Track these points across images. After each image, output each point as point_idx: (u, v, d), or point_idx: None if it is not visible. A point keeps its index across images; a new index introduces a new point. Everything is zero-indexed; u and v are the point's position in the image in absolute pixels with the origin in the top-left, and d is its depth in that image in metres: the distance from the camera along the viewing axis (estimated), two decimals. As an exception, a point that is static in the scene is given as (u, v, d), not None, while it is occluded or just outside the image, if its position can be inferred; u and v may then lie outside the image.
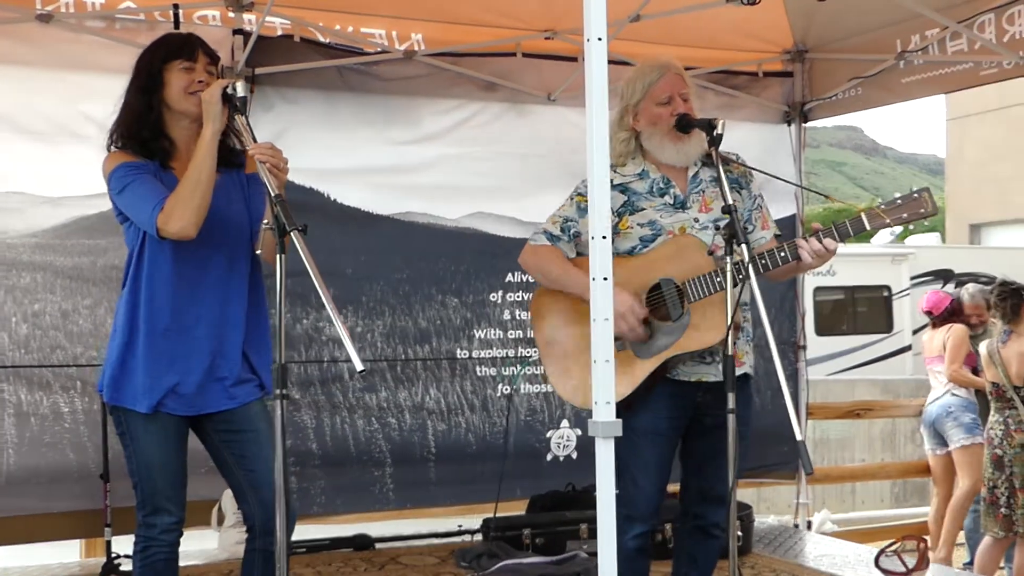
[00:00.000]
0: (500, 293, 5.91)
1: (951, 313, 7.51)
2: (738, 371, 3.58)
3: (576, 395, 3.70)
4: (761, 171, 3.91)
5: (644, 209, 3.67)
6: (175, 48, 3.37)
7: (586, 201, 3.56)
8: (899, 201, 3.47)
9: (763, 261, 3.56)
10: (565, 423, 6.01)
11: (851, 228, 3.50)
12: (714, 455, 3.64)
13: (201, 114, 3.27)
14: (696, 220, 3.67)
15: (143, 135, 3.34)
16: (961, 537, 7.49)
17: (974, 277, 16.95)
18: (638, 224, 3.66)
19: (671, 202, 3.69)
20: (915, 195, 3.45)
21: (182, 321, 3.31)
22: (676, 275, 3.60)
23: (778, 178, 4.05)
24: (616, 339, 3.56)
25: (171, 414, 3.32)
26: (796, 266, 3.61)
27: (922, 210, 3.43)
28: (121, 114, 3.39)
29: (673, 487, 3.88)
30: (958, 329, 7.40)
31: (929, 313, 7.64)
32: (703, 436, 3.71)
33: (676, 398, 3.65)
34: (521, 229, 5.70)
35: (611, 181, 3.60)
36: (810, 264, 3.55)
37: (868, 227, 3.48)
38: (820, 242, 3.51)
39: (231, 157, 3.41)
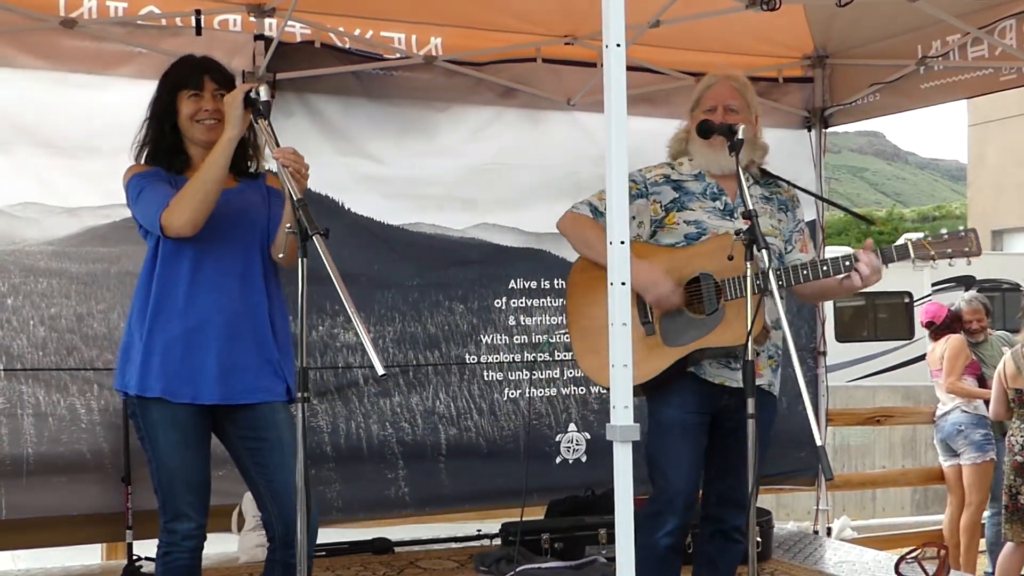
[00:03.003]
0: (504, 300, 5.96)
1: (950, 322, 7.55)
2: (757, 381, 3.60)
3: (599, 372, 3.65)
4: (808, 191, 3.92)
5: (693, 209, 3.73)
6: (183, 78, 3.49)
7: (636, 188, 3.72)
8: (946, 236, 3.49)
9: (804, 272, 3.57)
10: (572, 427, 6.03)
11: (896, 254, 3.53)
12: (735, 460, 3.65)
13: (207, 141, 3.39)
14: (740, 232, 3.69)
15: (165, 155, 3.46)
16: (982, 545, 7.48)
17: (996, 283, 16.90)
18: (684, 222, 3.72)
19: (721, 208, 3.76)
20: (962, 233, 3.48)
21: (199, 314, 3.34)
22: (716, 272, 3.63)
23: (811, 193, 4.04)
24: (646, 323, 3.62)
25: (192, 406, 3.33)
26: (838, 286, 3.61)
27: (966, 248, 3.46)
28: (144, 133, 3.51)
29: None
30: (954, 340, 7.45)
31: (930, 324, 7.70)
32: (723, 441, 3.72)
33: (702, 395, 3.67)
34: (523, 239, 5.90)
35: (668, 176, 3.79)
36: (858, 285, 3.53)
37: (912, 256, 3.50)
38: (869, 260, 3.51)
39: (247, 169, 3.50)
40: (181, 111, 3.44)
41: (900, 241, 3.52)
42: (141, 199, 3.36)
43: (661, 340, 3.63)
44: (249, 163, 3.52)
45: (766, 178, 3.83)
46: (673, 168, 3.84)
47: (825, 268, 3.55)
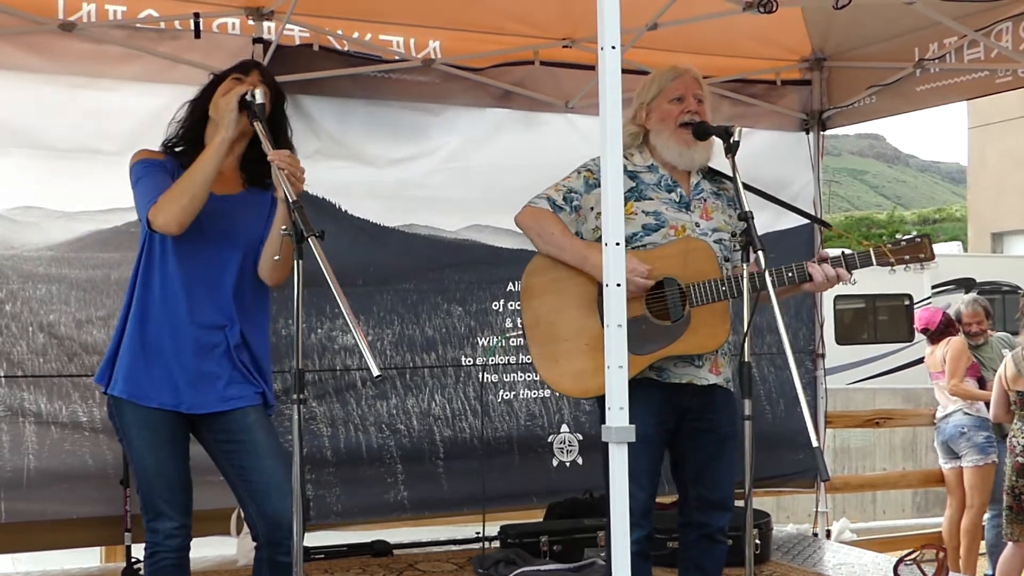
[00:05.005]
0: (502, 302, 5.97)
1: (946, 326, 7.57)
2: (713, 380, 3.64)
3: (561, 381, 3.68)
4: (773, 197, 3.92)
5: (651, 199, 3.69)
6: (235, 66, 3.53)
7: (594, 177, 3.67)
8: (903, 243, 3.65)
9: (770, 279, 3.54)
10: (565, 427, 6.03)
11: (859, 261, 3.63)
12: (708, 462, 3.65)
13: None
14: (697, 224, 3.69)
15: (188, 138, 3.44)
16: (982, 547, 7.48)
17: (996, 286, 16.91)
18: (643, 212, 3.66)
19: (677, 200, 3.71)
20: (917, 239, 3.65)
21: (170, 321, 3.34)
22: (680, 276, 3.59)
23: (754, 189, 3.99)
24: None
25: (163, 410, 3.33)
26: (795, 288, 3.67)
27: (921, 255, 3.63)
28: (180, 119, 3.51)
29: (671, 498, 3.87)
30: (956, 342, 7.48)
31: (925, 330, 7.72)
32: (694, 443, 3.67)
33: (664, 402, 3.61)
34: (516, 240, 5.77)
35: (623, 167, 3.68)
36: (815, 289, 3.66)
37: (874, 263, 3.63)
38: (834, 269, 3.61)
39: (261, 174, 3.41)
40: (217, 92, 3.43)
41: (862, 248, 3.63)
42: (139, 185, 3.36)
43: None
44: (267, 179, 3.38)
45: (712, 174, 3.80)
46: (627, 159, 3.74)
47: (791, 275, 3.61)
